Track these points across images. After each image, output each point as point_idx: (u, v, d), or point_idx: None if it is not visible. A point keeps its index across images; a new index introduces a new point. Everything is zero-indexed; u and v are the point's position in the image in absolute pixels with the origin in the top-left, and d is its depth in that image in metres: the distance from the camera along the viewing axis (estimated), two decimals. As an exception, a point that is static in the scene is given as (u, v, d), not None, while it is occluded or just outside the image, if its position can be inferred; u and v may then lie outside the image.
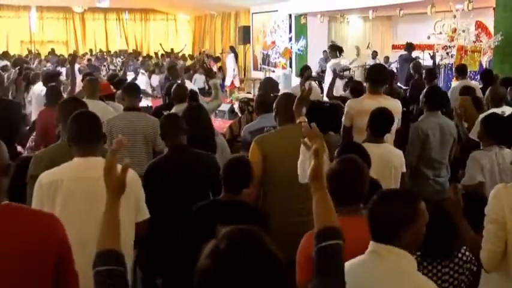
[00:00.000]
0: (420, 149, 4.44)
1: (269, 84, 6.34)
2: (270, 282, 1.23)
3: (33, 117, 6.54)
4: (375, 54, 15.07)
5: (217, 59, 17.02)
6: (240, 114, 5.85)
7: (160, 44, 20.89)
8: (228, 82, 15.45)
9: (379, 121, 3.81)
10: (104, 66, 15.18)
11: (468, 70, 8.67)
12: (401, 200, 1.96)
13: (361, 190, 2.38)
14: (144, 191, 2.94)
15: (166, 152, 3.59)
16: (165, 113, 5.33)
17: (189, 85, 8.01)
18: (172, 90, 5.34)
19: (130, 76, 9.34)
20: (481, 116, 5.07)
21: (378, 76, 4.62)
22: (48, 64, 13.80)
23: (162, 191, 3.41)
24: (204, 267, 1.23)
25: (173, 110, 5.06)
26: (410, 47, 11.54)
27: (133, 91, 4.87)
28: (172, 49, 20.96)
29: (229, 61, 15.92)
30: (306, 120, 3.21)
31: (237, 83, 15.63)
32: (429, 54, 11.60)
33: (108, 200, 1.66)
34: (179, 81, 7.21)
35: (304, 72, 8.16)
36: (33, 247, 1.88)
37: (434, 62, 10.80)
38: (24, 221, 1.92)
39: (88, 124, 2.86)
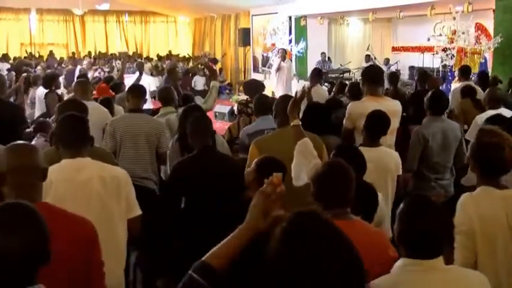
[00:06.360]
0: (420, 153, 4.43)
1: (253, 87, 6.34)
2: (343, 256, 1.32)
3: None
4: (367, 58, 15.07)
5: (214, 61, 16.92)
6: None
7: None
8: None
9: (376, 124, 3.80)
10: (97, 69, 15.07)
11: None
12: (440, 209, 1.96)
13: (347, 193, 2.33)
14: (169, 189, 2.91)
15: (195, 153, 3.59)
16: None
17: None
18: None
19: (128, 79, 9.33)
20: (477, 117, 5.06)
21: (376, 77, 4.58)
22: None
23: (187, 191, 3.44)
24: (276, 251, 1.34)
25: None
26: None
27: (139, 93, 4.84)
28: (170, 51, 20.96)
29: None
30: (300, 123, 3.20)
31: None
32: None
33: (244, 228, 1.60)
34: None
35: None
36: (63, 245, 1.99)
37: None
38: (57, 220, 2.04)
39: (75, 127, 2.87)
